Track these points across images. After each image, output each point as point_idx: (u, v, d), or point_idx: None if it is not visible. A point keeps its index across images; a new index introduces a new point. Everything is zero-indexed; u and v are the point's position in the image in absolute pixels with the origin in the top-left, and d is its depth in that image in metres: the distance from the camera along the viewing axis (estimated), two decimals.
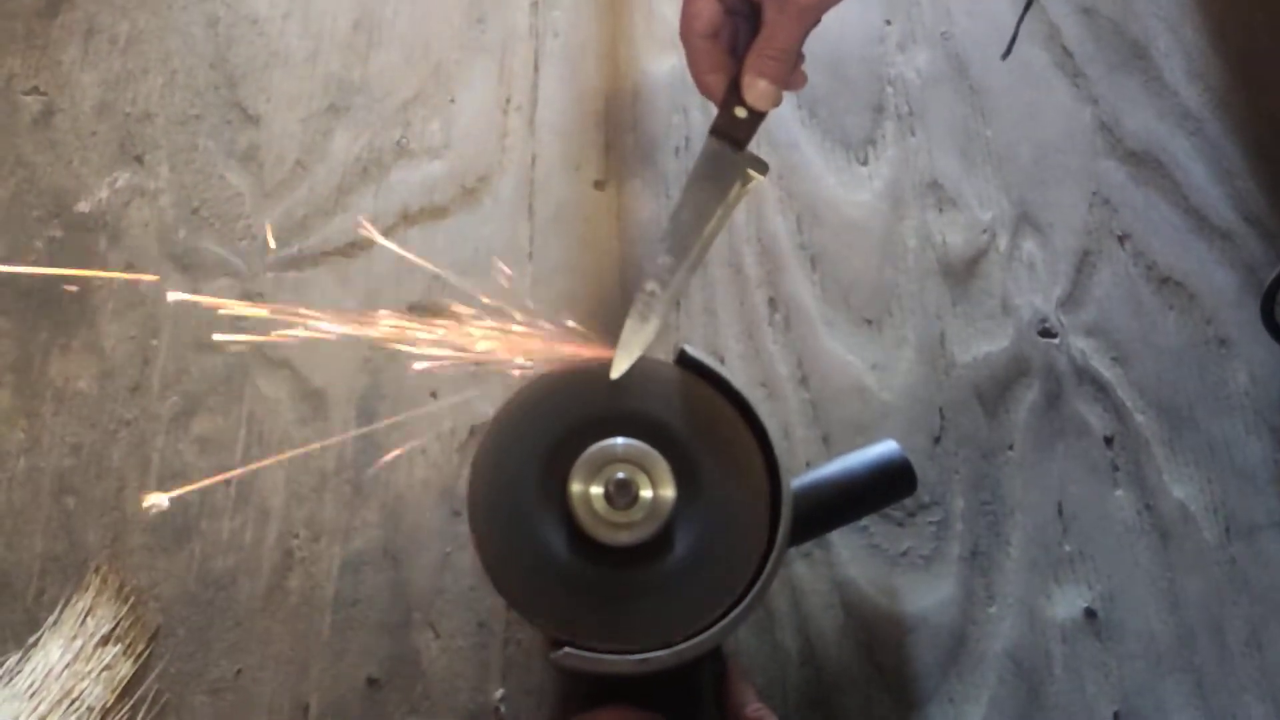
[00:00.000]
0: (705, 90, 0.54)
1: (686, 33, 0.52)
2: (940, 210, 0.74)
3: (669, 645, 0.41)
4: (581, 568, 0.43)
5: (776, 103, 0.53)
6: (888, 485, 0.58)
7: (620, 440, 0.45)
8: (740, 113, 0.53)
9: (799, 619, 0.62)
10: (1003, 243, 0.73)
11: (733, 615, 0.42)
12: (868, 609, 0.62)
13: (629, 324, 0.51)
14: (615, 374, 0.48)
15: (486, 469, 0.46)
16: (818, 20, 0.52)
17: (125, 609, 0.59)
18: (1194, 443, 0.68)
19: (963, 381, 0.69)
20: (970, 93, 0.78)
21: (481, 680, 0.60)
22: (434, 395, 0.67)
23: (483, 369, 0.67)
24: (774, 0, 0.50)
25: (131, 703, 0.57)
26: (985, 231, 0.74)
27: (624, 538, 0.43)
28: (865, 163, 0.76)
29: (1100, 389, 0.69)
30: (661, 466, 0.44)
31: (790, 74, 0.53)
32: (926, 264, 0.73)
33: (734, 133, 0.53)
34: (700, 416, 0.47)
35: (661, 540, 0.44)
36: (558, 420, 0.48)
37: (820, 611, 0.62)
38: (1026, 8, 0.61)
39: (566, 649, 0.41)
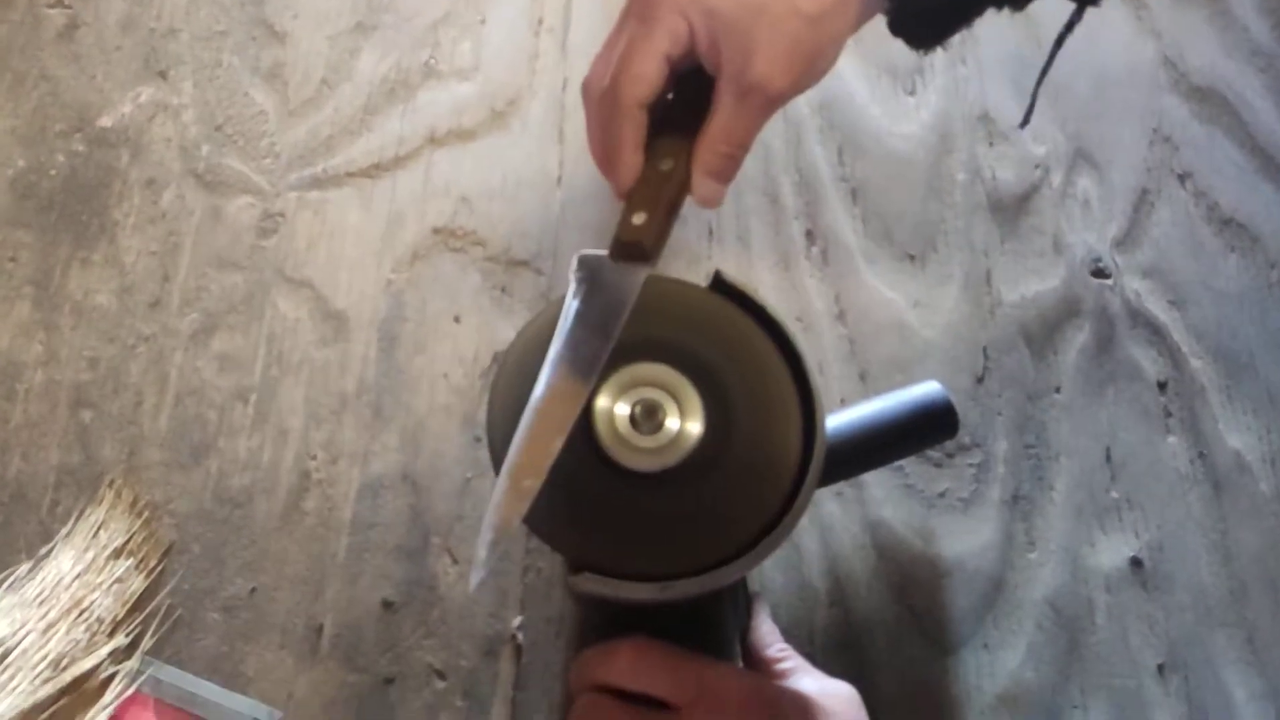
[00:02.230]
0: (617, 172, 0.43)
1: (621, 98, 0.42)
2: (991, 144, 0.71)
3: (690, 574, 0.39)
4: (603, 491, 0.41)
5: (717, 205, 0.45)
6: (928, 427, 0.56)
7: (652, 363, 0.43)
8: (640, 219, 0.42)
9: (829, 559, 0.60)
10: (1056, 179, 0.70)
11: (757, 549, 0.39)
12: (901, 551, 0.60)
13: (504, 500, 0.39)
14: (474, 584, 0.38)
15: (508, 385, 0.43)
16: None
17: (139, 523, 0.58)
18: (1252, 391, 0.64)
19: (1009, 321, 0.66)
20: (1025, 21, 0.74)
21: (499, 608, 0.58)
22: (457, 320, 0.65)
23: (507, 295, 0.66)
24: (732, 85, 0.41)
25: (142, 616, 0.56)
26: (1038, 167, 0.70)
27: (646, 463, 0.41)
28: (912, 93, 0.72)
29: (1155, 332, 0.66)
30: (692, 398, 0.42)
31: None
32: (975, 199, 0.69)
33: (641, 243, 0.42)
34: (734, 345, 0.44)
35: (687, 469, 0.41)
36: None
37: (851, 552, 0.60)
38: (1043, 74, 0.56)
39: (585, 573, 0.39)
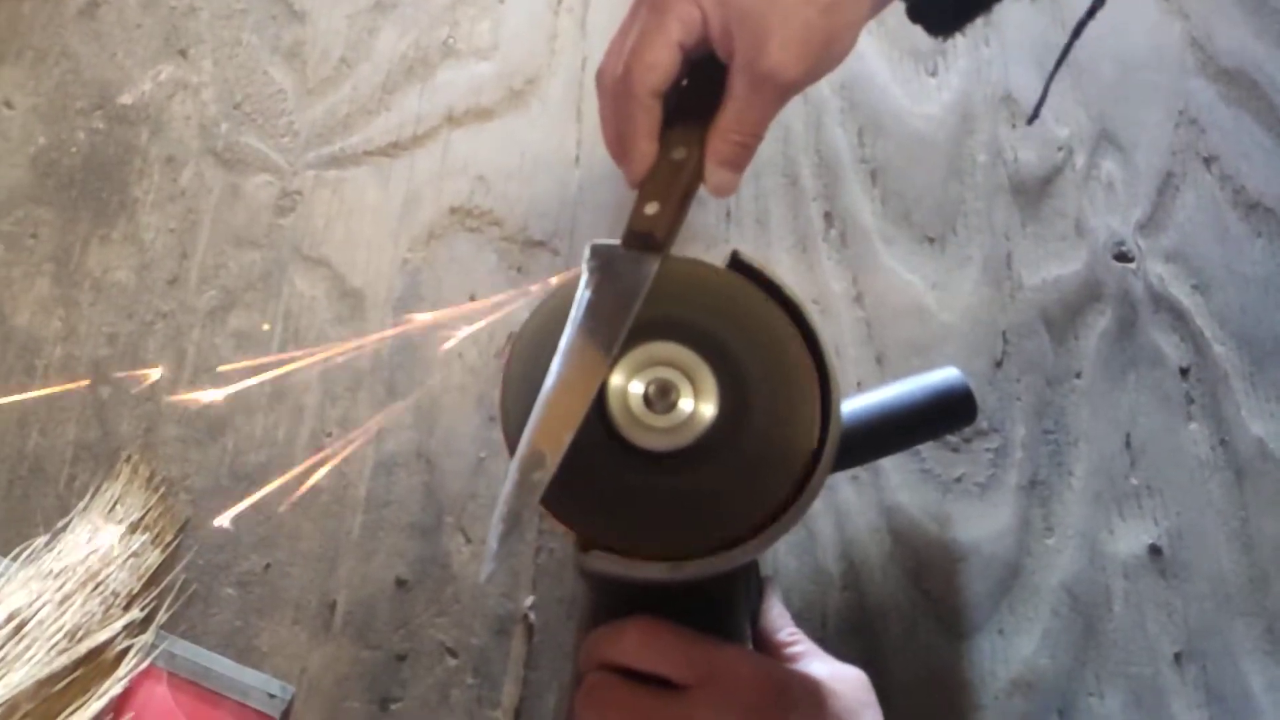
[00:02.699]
0: (630, 161, 0.43)
1: (634, 87, 0.42)
2: (1013, 125, 0.70)
3: (700, 555, 0.39)
4: (616, 470, 0.41)
5: (730, 194, 0.45)
6: (947, 414, 0.55)
7: (667, 343, 0.43)
8: (653, 209, 0.42)
9: (843, 542, 0.59)
10: (1080, 161, 0.69)
11: (769, 531, 0.39)
12: (917, 535, 0.59)
13: (516, 492, 0.38)
14: (485, 576, 0.40)
15: (523, 361, 0.43)
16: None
17: (155, 499, 0.58)
18: (1276, 377, 0.63)
19: (1029, 305, 0.65)
20: (1050, 3, 0.73)
21: (512, 588, 0.58)
22: (473, 298, 0.64)
23: (523, 275, 0.65)
24: (745, 73, 0.41)
25: (158, 591, 0.56)
26: (1061, 149, 0.69)
27: (658, 442, 0.41)
28: (934, 73, 0.72)
29: (1178, 317, 0.65)
30: (707, 378, 0.42)
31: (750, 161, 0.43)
32: (996, 181, 0.68)
33: (653, 233, 0.42)
34: (750, 325, 0.44)
35: (699, 449, 0.41)
36: None
37: (866, 536, 0.60)
38: (1057, 66, 0.55)
39: (595, 551, 0.39)
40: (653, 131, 0.43)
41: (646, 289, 0.42)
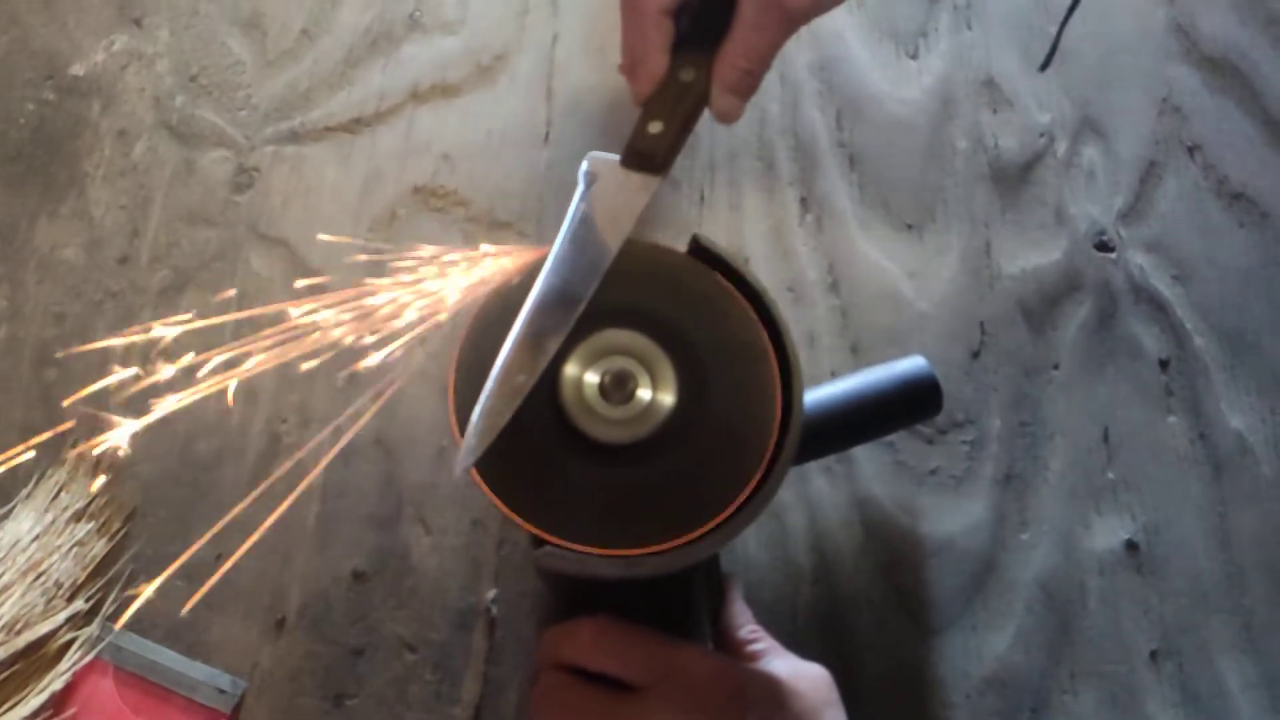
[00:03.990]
0: (639, 77, 0.44)
1: (644, 3, 0.43)
2: (994, 111, 0.68)
3: (658, 550, 0.37)
4: (569, 463, 0.39)
5: (734, 120, 0.45)
6: (912, 404, 0.54)
7: (624, 331, 0.41)
8: (656, 128, 0.43)
9: (814, 535, 0.58)
10: (1061, 148, 0.67)
11: (728, 526, 0.37)
12: (890, 528, 0.58)
13: (496, 394, 0.39)
14: (459, 470, 0.38)
15: (473, 350, 0.41)
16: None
17: (101, 486, 0.56)
18: (1257, 370, 0.62)
19: (1007, 294, 0.64)
20: None
21: (473, 580, 0.56)
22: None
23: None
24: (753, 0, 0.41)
25: (104, 581, 0.54)
26: (1042, 135, 0.68)
27: (614, 434, 0.39)
28: (915, 56, 0.70)
29: (1158, 309, 0.64)
30: (665, 368, 0.40)
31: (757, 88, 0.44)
32: (976, 168, 0.67)
33: (655, 153, 0.43)
34: (711, 312, 0.42)
35: (657, 441, 0.39)
36: None
37: (838, 529, 0.58)
38: (1070, 11, 0.54)
39: (548, 547, 0.37)
40: (662, 48, 0.44)
41: (641, 210, 0.42)
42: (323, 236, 0.62)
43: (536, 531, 0.37)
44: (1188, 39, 0.71)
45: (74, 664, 0.52)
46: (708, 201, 0.65)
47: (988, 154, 0.67)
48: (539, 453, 0.39)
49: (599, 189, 0.43)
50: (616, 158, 0.44)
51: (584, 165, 0.44)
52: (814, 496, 0.59)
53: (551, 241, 0.44)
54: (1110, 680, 0.55)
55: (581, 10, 0.70)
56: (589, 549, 0.37)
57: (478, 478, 0.39)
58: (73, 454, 0.57)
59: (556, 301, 0.40)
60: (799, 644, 0.51)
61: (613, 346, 0.40)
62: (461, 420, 0.39)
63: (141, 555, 0.56)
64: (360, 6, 0.69)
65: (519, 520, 0.37)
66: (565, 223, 0.42)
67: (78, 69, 0.67)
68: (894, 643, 0.56)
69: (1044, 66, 0.57)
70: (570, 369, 0.40)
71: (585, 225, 0.42)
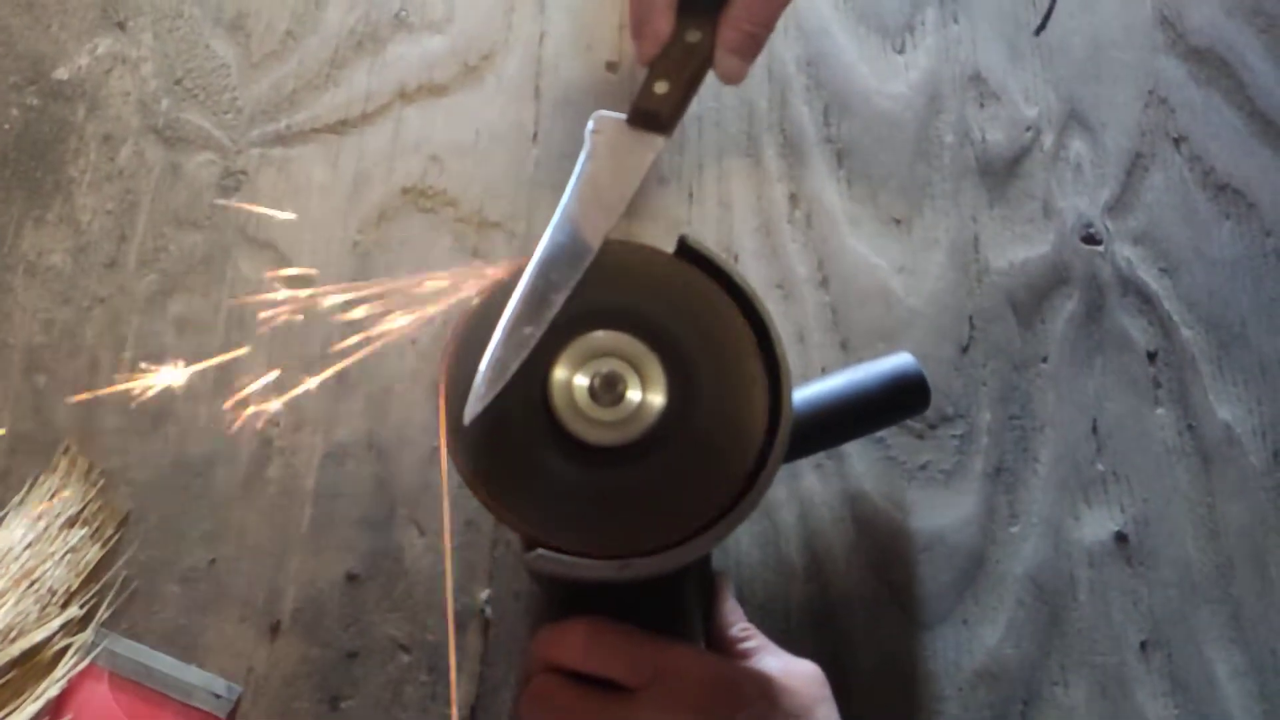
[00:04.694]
0: (644, 36, 0.45)
1: None
2: (981, 105, 0.68)
3: (650, 552, 0.37)
4: (559, 465, 0.39)
5: (738, 82, 0.47)
6: (899, 400, 0.54)
7: (613, 333, 0.41)
8: (661, 88, 0.44)
9: (806, 532, 0.58)
10: (1048, 141, 0.68)
11: (719, 526, 0.38)
12: (881, 524, 0.58)
13: (505, 343, 0.39)
14: (468, 418, 0.39)
15: (463, 353, 0.41)
16: None
17: (94, 492, 0.56)
18: (1244, 361, 0.63)
19: (996, 288, 0.64)
20: None
21: (467, 581, 0.56)
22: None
23: (479, 257, 0.63)
24: None
25: (98, 588, 0.54)
26: (1030, 129, 0.68)
27: (604, 436, 0.39)
28: (902, 51, 0.70)
29: (1145, 301, 0.64)
30: (655, 369, 0.40)
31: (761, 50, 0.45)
32: (963, 162, 0.67)
33: (660, 112, 0.44)
34: (699, 313, 0.42)
35: (647, 442, 0.39)
36: None
37: (829, 525, 0.58)
38: None
39: (540, 550, 0.37)
40: (667, 9, 0.44)
41: (646, 170, 0.44)
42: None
43: (527, 534, 0.37)
44: (1174, 31, 0.71)
45: (69, 670, 0.52)
46: (696, 199, 0.65)
47: (975, 148, 0.67)
48: (529, 456, 0.39)
49: (605, 146, 0.44)
50: (623, 116, 0.45)
51: (590, 124, 0.44)
52: (805, 493, 0.59)
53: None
54: (1100, 671, 0.56)
55: (568, 8, 0.70)
56: (580, 552, 0.37)
57: (468, 480, 0.39)
58: (65, 459, 0.57)
59: (563, 256, 0.41)
60: (791, 640, 0.51)
61: (602, 349, 0.40)
62: (452, 422, 0.39)
63: (135, 560, 0.56)
64: (345, 6, 0.69)
65: (510, 524, 0.38)
66: (572, 178, 0.43)
67: (62, 73, 0.67)
68: (886, 637, 0.56)
69: (1039, 30, 0.58)
70: (559, 372, 0.40)
71: (591, 181, 0.43)
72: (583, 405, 0.39)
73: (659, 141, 0.44)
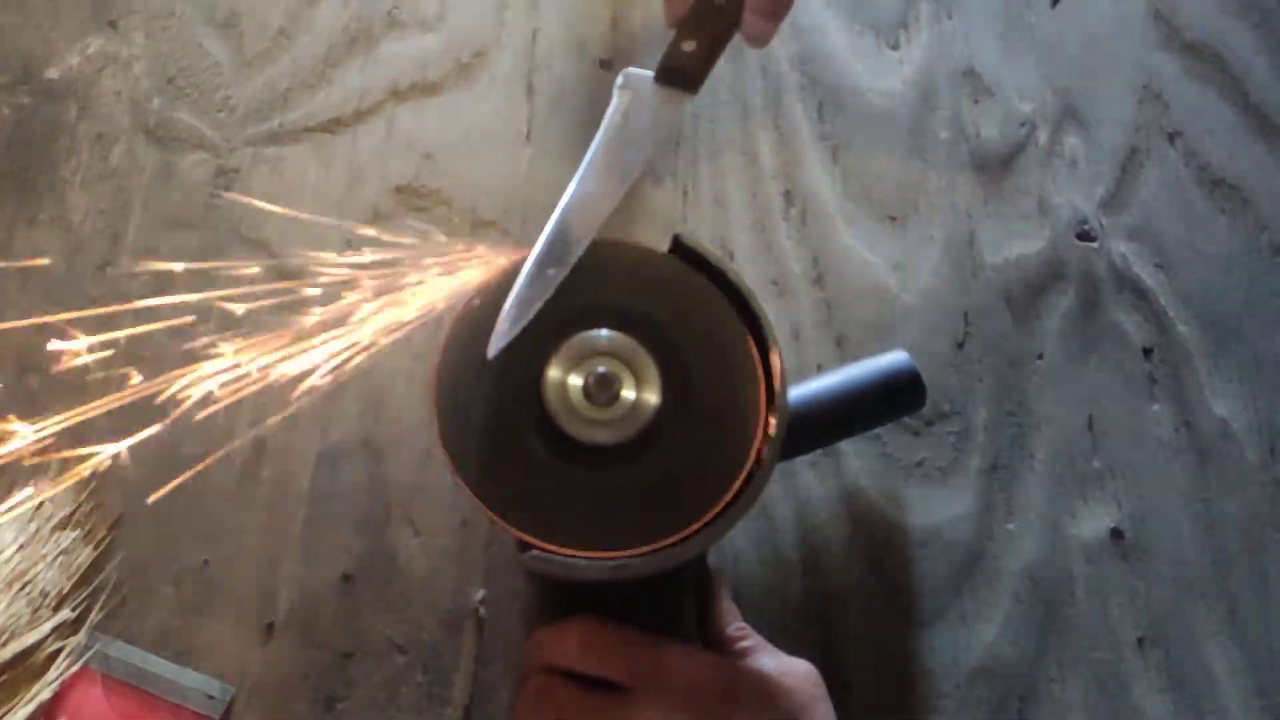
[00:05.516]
0: None
1: None
2: (975, 101, 0.68)
3: (645, 552, 0.37)
4: (554, 465, 0.39)
5: (765, 44, 0.48)
6: (895, 398, 0.54)
7: (607, 332, 0.41)
8: (689, 46, 0.45)
9: (802, 529, 0.58)
10: (1042, 137, 0.67)
11: (714, 525, 0.38)
12: (877, 520, 0.58)
13: (528, 284, 0.41)
14: (491, 354, 0.40)
15: (456, 352, 0.41)
16: None
17: (86, 493, 0.56)
18: (1240, 357, 0.63)
19: (991, 285, 0.64)
20: None
21: (462, 581, 0.56)
22: (420, 282, 0.62)
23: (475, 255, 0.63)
24: None
25: (90, 590, 0.54)
26: (1024, 125, 0.68)
27: (599, 436, 0.39)
28: (895, 47, 0.70)
29: (1141, 297, 0.64)
30: (649, 368, 0.40)
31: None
32: (958, 158, 0.67)
33: (687, 70, 0.45)
34: (693, 311, 0.42)
35: (642, 442, 0.39)
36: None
37: (826, 522, 0.58)
38: None
39: (535, 551, 0.37)
40: None
41: (671, 128, 0.48)
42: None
43: (522, 535, 0.37)
44: (1168, 26, 0.71)
45: (62, 673, 0.51)
46: (691, 197, 0.65)
47: (969, 144, 0.67)
48: (524, 456, 0.38)
49: (633, 102, 0.45)
50: (650, 73, 0.46)
51: (619, 79, 0.46)
52: (801, 490, 0.59)
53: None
54: (1098, 667, 0.56)
55: (561, 5, 0.70)
56: (576, 552, 0.37)
57: (462, 482, 0.39)
58: (56, 460, 0.56)
59: (588, 204, 0.42)
60: (788, 637, 0.51)
61: (596, 348, 0.40)
62: (444, 423, 0.39)
63: (127, 562, 0.55)
64: (338, 5, 0.69)
65: (504, 524, 0.37)
66: (599, 132, 0.45)
67: (53, 72, 0.66)
68: (883, 634, 0.56)
69: (1055, 2, 0.58)
70: (554, 371, 0.40)
71: (618, 135, 0.44)
72: (577, 405, 0.39)
73: (685, 99, 0.45)
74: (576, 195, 0.43)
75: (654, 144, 0.45)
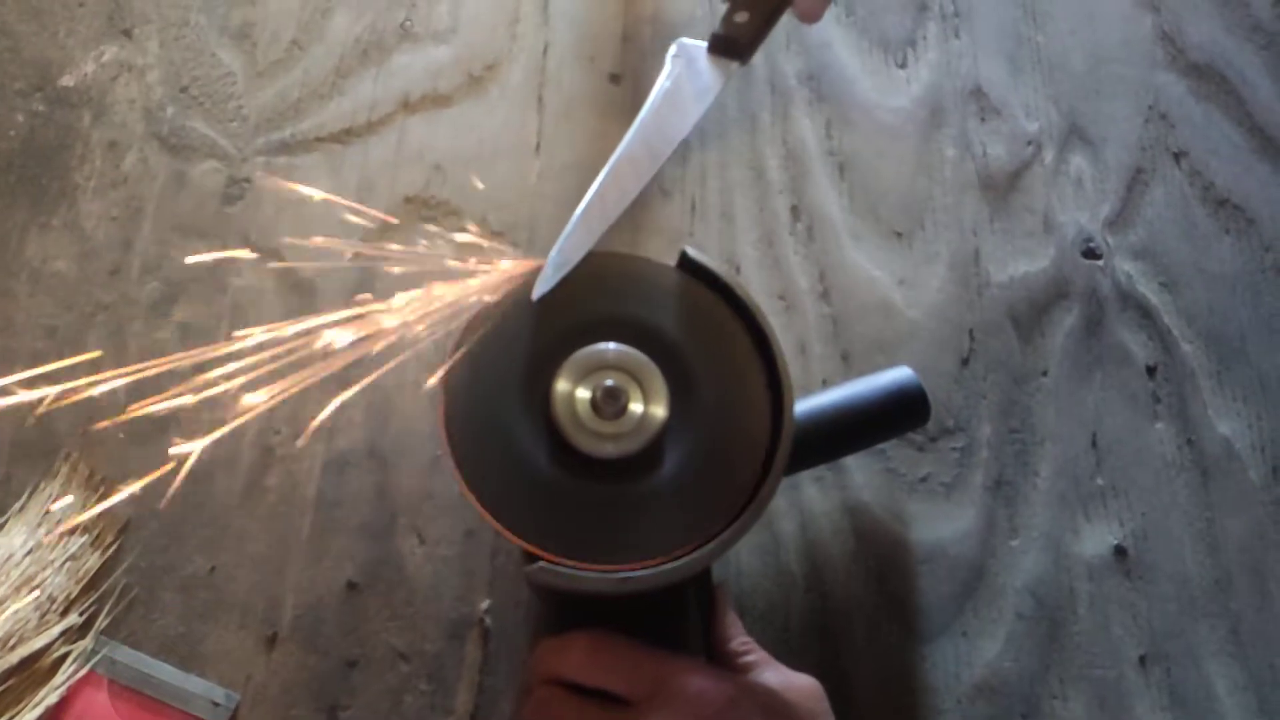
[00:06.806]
0: None
1: None
2: (982, 119, 0.69)
3: (651, 566, 0.37)
4: (561, 478, 0.39)
5: (816, 20, 0.49)
6: (900, 414, 0.54)
7: (615, 345, 0.41)
8: (741, 17, 0.47)
9: (806, 543, 0.58)
10: (1049, 156, 0.68)
11: (720, 539, 0.38)
12: (881, 536, 0.58)
13: (574, 232, 0.43)
14: (535, 296, 0.42)
15: (465, 366, 0.42)
16: None
17: (95, 499, 0.56)
18: (1243, 376, 0.63)
19: (996, 302, 0.64)
20: None
21: (467, 590, 0.56)
22: (429, 293, 0.62)
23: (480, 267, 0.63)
24: None
25: (98, 595, 0.54)
26: (1030, 143, 0.68)
27: (607, 449, 0.39)
28: (903, 65, 0.70)
29: (1145, 315, 0.64)
30: (656, 381, 0.40)
31: None
32: (964, 176, 0.67)
33: (739, 40, 0.47)
34: (701, 326, 0.42)
35: (649, 455, 0.39)
36: (546, 321, 0.43)
37: (830, 536, 0.58)
38: None
39: (541, 563, 0.37)
40: None
41: (719, 94, 0.47)
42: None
43: (529, 547, 0.38)
44: (1174, 46, 0.72)
45: (68, 678, 0.52)
46: (699, 211, 0.66)
47: (976, 162, 0.68)
48: (531, 468, 0.39)
49: (686, 67, 0.48)
50: (704, 44, 0.48)
51: (672, 48, 0.48)
52: (805, 504, 0.59)
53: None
54: (1100, 685, 0.56)
55: (572, 20, 0.70)
56: (582, 565, 0.37)
57: (469, 493, 0.39)
58: (65, 465, 0.57)
59: (639, 157, 0.45)
60: (791, 651, 0.51)
61: (604, 361, 0.40)
62: (452, 435, 0.40)
63: (135, 567, 0.56)
64: (351, 16, 0.70)
65: (511, 536, 0.38)
66: (652, 94, 0.47)
67: (68, 80, 0.67)
68: (885, 649, 0.56)
69: None
70: (562, 384, 0.40)
71: (669, 97, 0.47)
72: (585, 418, 0.39)
73: (735, 68, 0.47)
74: (625, 154, 0.45)
75: (703, 105, 0.47)
